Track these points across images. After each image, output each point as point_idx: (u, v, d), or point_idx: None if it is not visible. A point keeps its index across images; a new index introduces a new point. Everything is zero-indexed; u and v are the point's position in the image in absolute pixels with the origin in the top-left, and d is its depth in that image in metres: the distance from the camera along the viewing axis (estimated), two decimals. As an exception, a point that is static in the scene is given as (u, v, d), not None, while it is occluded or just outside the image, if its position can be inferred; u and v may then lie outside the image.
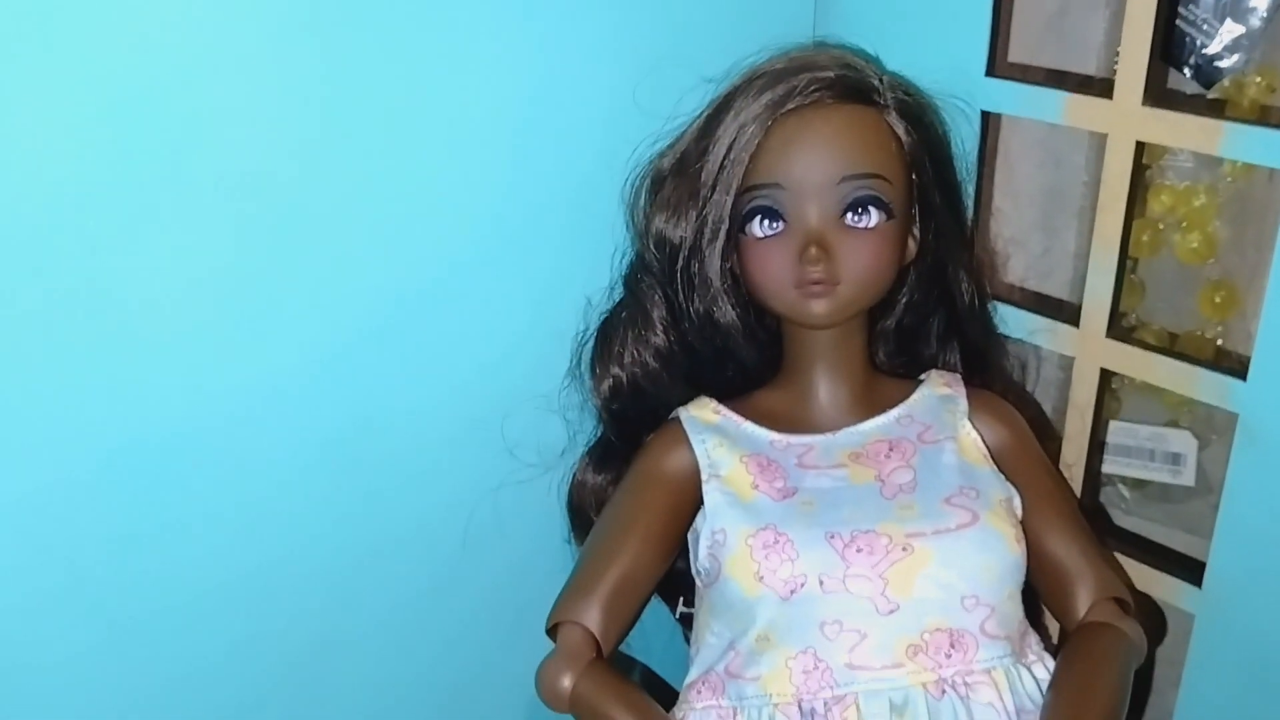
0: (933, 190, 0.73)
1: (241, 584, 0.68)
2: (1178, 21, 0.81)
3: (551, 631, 0.70)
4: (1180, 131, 0.69)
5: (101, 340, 0.59)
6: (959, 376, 0.78)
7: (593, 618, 0.69)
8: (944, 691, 0.66)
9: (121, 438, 0.61)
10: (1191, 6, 0.80)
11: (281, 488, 0.68)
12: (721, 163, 0.71)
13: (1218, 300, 0.86)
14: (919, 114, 0.73)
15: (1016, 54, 0.83)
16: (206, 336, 0.62)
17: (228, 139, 0.60)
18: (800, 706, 0.66)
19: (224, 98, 0.59)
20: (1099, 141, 0.85)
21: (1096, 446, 0.81)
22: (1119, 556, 0.79)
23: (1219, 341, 0.87)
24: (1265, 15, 0.79)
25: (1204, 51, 0.82)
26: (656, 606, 0.81)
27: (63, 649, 0.63)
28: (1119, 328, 0.77)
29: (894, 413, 0.75)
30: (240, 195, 0.61)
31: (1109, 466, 0.90)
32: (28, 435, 0.58)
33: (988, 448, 0.74)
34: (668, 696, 0.72)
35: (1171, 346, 0.86)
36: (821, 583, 0.66)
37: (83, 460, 0.60)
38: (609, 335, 0.78)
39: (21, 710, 0.62)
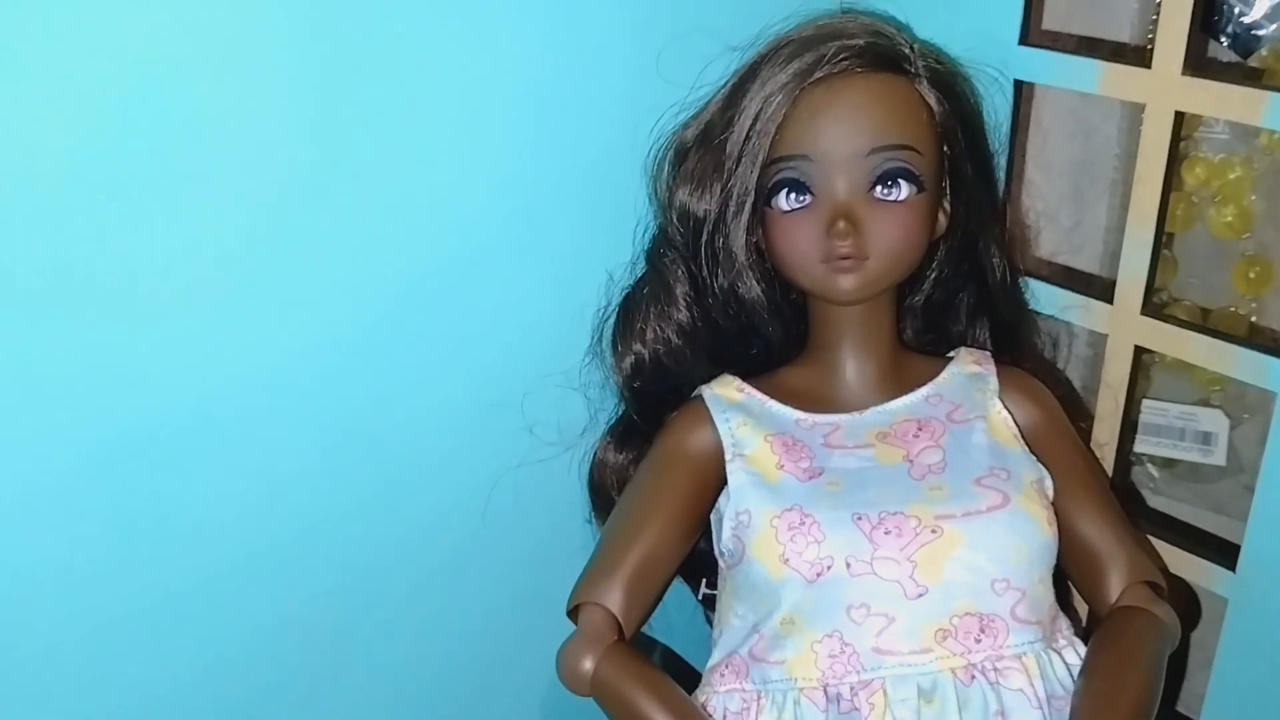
0: (964, 162, 0.72)
1: (261, 565, 0.67)
2: (1216, -11, 0.79)
3: (572, 613, 0.69)
4: (1221, 101, 0.67)
5: (116, 324, 0.58)
6: (989, 354, 0.77)
7: (614, 599, 0.68)
8: (973, 677, 0.64)
9: (142, 422, 0.60)
10: (1230, -27, 0.78)
11: (301, 468, 0.67)
12: (747, 134, 0.69)
13: (1252, 275, 0.84)
14: (951, 83, 0.71)
15: (1050, 21, 0.81)
16: (222, 318, 0.61)
17: (241, 116, 0.58)
18: (826, 691, 0.65)
19: (241, 72, 0.58)
20: (1131, 113, 0.83)
21: (1129, 426, 0.80)
22: (1152, 539, 0.78)
23: (1253, 318, 0.85)
24: (1307, -17, 0.77)
25: (1242, 20, 0.80)
26: (679, 587, 0.80)
27: (77, 637, 0.62)
28: (1152, 304, 0.75)
29: (922, 391, 0.73)
30: (256, 175, 0.60)
31: (1139, 446, 0.89)
32: (39, 423, 0.57)
33: (1018, 427, 0.72)
34: (690, 679, 0.71)
35: (1204, 323, 0.84)
36: (848, 565, 0.65)
37: (102, 448, 0.59)
38: (631, 311, 0.76)
39: (29, 699, 0.61)
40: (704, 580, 0.80)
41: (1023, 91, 0.76)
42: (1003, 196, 0.79)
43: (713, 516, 0.72)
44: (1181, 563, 0.77)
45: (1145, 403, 0.88)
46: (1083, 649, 0.69)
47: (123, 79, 0.54)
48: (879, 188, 0.68)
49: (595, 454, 0.79)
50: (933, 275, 0.77)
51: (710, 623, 0.77)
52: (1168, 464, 0.91)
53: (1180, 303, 0.87)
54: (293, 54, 0.59)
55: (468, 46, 0.65)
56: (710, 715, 0.68)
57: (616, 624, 0.68)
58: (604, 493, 0.79)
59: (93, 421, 0.59)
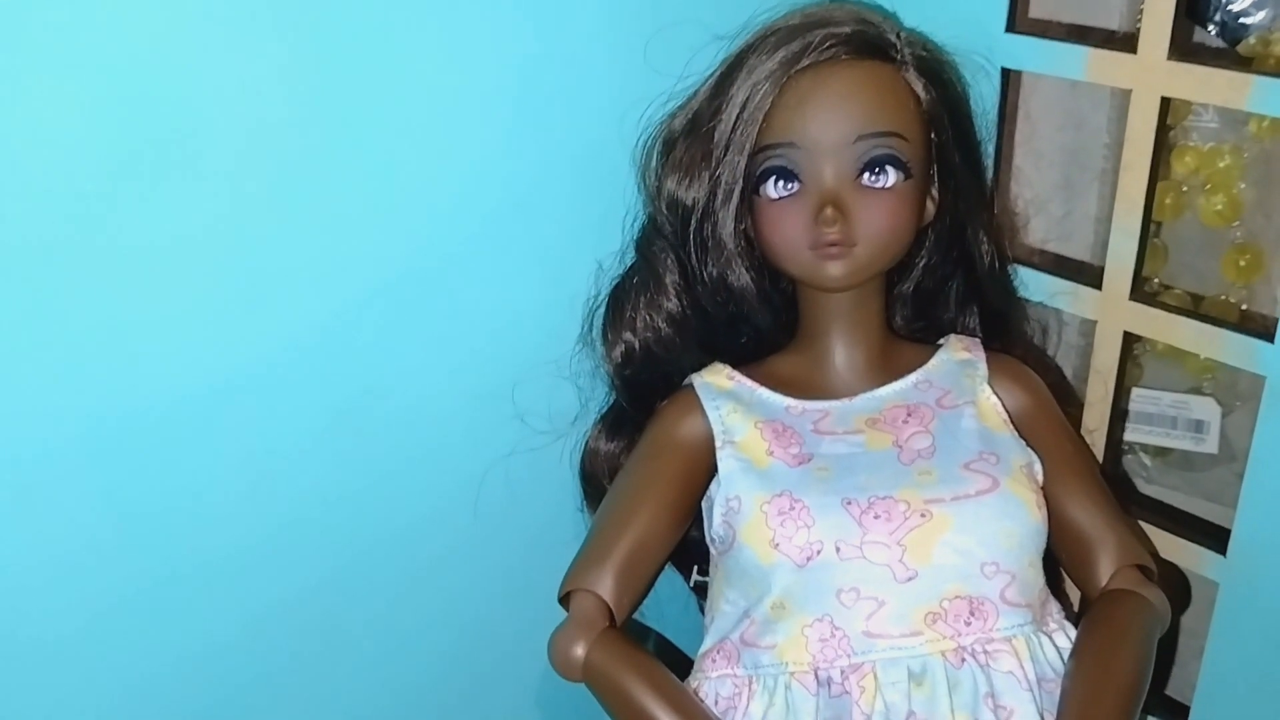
0: (952, 149, 0.72)
1: (251, 555, 0.67)
2: (1202, -24, 0.79)
3: (564, 600, 0.69)
4: (1206, 86, 0.67)
5: (104, 315, 0.58)
6: (978, 341, 0.77)
7: (606, 586, 0.68)
8: (964, 660, 0.65)
9: (132, 413, 0.60)
10: (1216, -39, 0.78)
11: (292, 458, 0.67)
12: (734, 122, 0.69)
13: (1242, 264, 0.84)
14: (938, 71, 0.72)
15: (1037, 9, 0.81)
16: (210, 308, 0.61)
17: (231, 106, 0.59)
18: (817, 675, 0.65)
19: (230, 61, 0.58)
20: (1120, 102, 0.83)
21: (1118, 413, 0.80)
22: (1143, 524, 0.78)
23: (1243, 306, 0.85)
24: (1293, -30, 0.77)
25: (1229, 8, 0.80)
26: (670, 575, 0.80)
27: (67, 626, 0.62)
28: (1141, 291, 0.75)
29: (912, 378, 0.73)
30: (245, 166, 0.60)
31: (1131, 434, 0.89)
32: (29, 412, 0.57)
33: (1008, 413, 0.72)
34: (682, 665, 0.71)
35: (1195, 310, 0.84)
36: (838, 549, 0.65)
37: (92, 439, 0.60)
38: (621, 300, 0.77)
39: (20, 687, 0.61)
40: (695, 567, 0.81)
41: (1010, 79, 0.77)
42: (991, 184, 0.79)
43: (703, 503, 0.72)
44: (1172, 547, 0.77)
45: (1137, 391, 0.88)
46: (1073, 632, 0.69)
47: (113, 70, 0.55)
48: (866, 175, 0.68)
49: (586, 442, 0.80)
50: (922, 263, 0.77)
51: (702, 610, 0.77)
52: (1160, 452, 0.91)
53: (1171, 291, 0.87)
54: (281, 45, 0.60)
55: (455, 36, 0.65)
56: (702, 700, 0.68)
57: (608, 610, 0.68)
58: (595, 481, 0.79)
59: (83, 412, 0.59)
